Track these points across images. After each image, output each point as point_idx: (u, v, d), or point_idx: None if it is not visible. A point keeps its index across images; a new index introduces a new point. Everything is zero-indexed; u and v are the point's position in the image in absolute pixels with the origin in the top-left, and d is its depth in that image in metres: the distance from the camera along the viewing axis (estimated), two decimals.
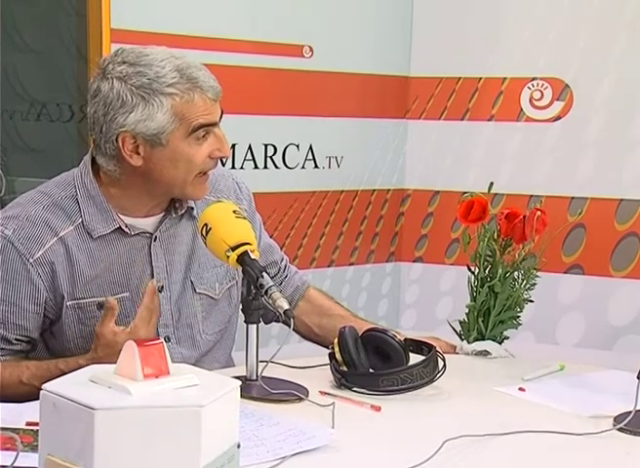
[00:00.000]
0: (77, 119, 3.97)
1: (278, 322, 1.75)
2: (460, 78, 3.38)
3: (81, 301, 1.83)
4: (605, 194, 3.17)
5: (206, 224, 1.77)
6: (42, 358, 1.85)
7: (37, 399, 1.13)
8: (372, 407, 1.67)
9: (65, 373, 1.21)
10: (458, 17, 3.37)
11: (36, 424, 1.20)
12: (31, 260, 1.79)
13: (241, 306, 1.74)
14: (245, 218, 1.80)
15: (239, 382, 1.18)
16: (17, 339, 1.82)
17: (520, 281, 2.08)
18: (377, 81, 3.36)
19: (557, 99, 3.24)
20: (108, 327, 1.71)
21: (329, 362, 1.83)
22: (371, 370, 1.82)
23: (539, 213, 2.05)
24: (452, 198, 3.21)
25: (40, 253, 1.80)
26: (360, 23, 3.29)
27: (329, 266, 3.32)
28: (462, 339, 2.12)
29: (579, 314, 3.23)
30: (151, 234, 1.89)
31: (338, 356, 1.81)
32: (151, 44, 1.86)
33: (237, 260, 1.71)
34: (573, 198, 3.20)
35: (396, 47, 3.40)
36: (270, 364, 1.75)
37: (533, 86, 3.27)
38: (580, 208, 3.00)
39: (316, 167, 3.25)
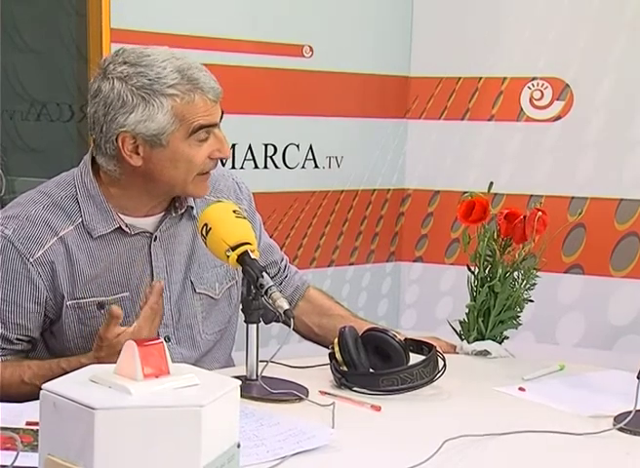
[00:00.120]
0: (77, 119, 3.97)
1: (278, 322, 1.75)
2: (460, 78, 3.38)
3: (81, 301, 1.83)
4: (605, 194, 3.17)
5: (206, 224, 1.77)
6: (42, 358, 1.85)
7: (38, 398, 1.13)
8: (372, 406, 1.67)
9: (67, 373, 1.21)
10: (458, 17, 3.37)
11: (36, 424, 1.20)
12: (31, 260, 1.79)
13: (241, 306, 1.74)
14: (245, 218, 1.80)
15: (239, 382, 1.18)
16: (17, 339, 1.82)
17: (520, 281, 2.08)
18: (377, 81, 3.36)
19: (557, 99, 3.24)
20: (112, 332, 1.70)
21: (329, 362, 1.83)
22: (371, 370, 1.82)
23: (539, 213, 2.05)
24: (452, 198, 3.21)
25: (40, 252, 1.80)
26: (360, 23, 3.29)
27: (329, 266, 3.32)
28: (462, 339, 2.12)
29: (579, 314, 3.23)
30: (151, 234, 1.89)
31: (338, 356, 1.81)
32: (152, 44, 1.86)
33: (237, 260, 1.71)
34: (573, 198, 3.20)
35: (396, 47, 3.40)
36: (270, 364, 1.75)
37: (533, 86, 3.27)
38: (580, 208, 3.00)
39: (316, 167, 3.25)
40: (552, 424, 1.58)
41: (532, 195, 3.18)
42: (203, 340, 1.97)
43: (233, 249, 1.71)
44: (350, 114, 3.31)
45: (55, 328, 1.86)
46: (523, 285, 2.08)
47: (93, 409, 1.06)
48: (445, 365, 1.79)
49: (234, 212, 1.79)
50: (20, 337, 1.82)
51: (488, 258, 2.08)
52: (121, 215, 1.86)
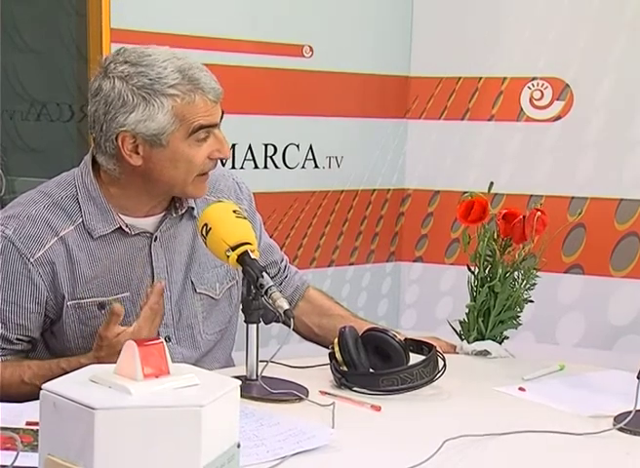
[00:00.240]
0: (77, 119, 3.97)
1: (278, 322, 1.75)
2: (460, 78, 3.38)
3: (81, 301, 1.83)
4: (605, 194, 3.17)
5: (206, 224, 1.77)
6: (42, 358, 1.85)
7: (38, 398, 1.13)
8: (372, 406, 1.67)
9: (67, 373, 1.21)
10: (458, 17, 3.37)
11: (36, 424, 1.20)
12: (32, 260, 1.79)
13: (241, 306, 1.74)
14: (245, 218, 1.80)
15: (239, 382, 1.18)
16: (17, 339, 1.82)
17: (520, 281, 2.08)
18: (377, 81, 3.36)
19: (557, 99, 3.24)
20: (113, 331, 1.70)
21: (329, 362, 1.83)
22: (371, 370, 1.82)
23: (538, 213, 2.06)
24: (452, 198, 3.21)
25: (41, 252, 1.80)
26: (360, 23, 3.29)
27: (329, 266, 3.32)
28: (462, 339, 2.12)
29: (579, 314, 3.23)
30: (152, 234, 1.89)
31: (338, 356, 1.81)
32: (152, 44, 1.86)
33: (237, 260, 1.71)
34: (573, 198, 3.20)
35: (396, 47, 3.40)
36: (270, 364, 1.75)
37: (533, 86, 3.27)
38: (580, 208, 3.01)
39: (316, 167, 3.25)
40: (552, 424, 1.58)
41: (532, 195, 3.18)
42: (203, 340, 1.97)
43: (233, 249, 1.71)
44: (350, 114, 3.31)
45: (55, 328, 1.86)
46: (523, 285, 2.08)
47: (93, 409, 1.06)
48: (445, 365, 1.79)
49: (234, 212, 1.79)
50: (21, 337, 1.82)
51: (488, 258, 2.08)
52: (121, 216, 1.86)
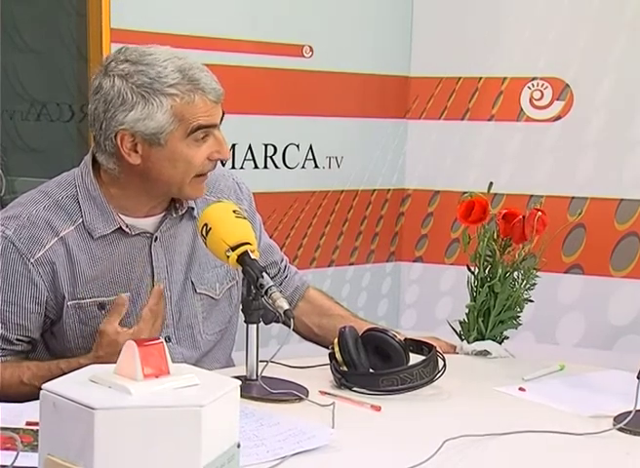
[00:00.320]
0: (77, 119, 3.97)
1: (278, 322, 1.75)
2: (460, 78, 3.38)
3: (82, 301, 1.83)
4: (605, 194, 3.17)
5: (206, 224, 1.76)
6: (42, 358, 1.85)
7: (38, 399, 1.13)
8: (372, 407, 1.67)
9: (66, 373, 1.21)
10: (458, 17, 3.37)
11: (36, 424, 1.20)
12: (32, 260, 1.79)
13: (241, 306, 1.74)
14: (245, 218, 1.80)
15: (239, 382, 1.18)
16: (17, 339, 1.82)
17: (520, 281, 2.08)
18: (377, 81, 3.36)
19: (557, 99, 3.24)
20: (113, 325, 1.71)
21: (329, 362, 1.83)
22: (371, 370, 1.82)
23: (539, 213, 2.06)
24: (452, 198, 3.21)
25: (41, 253, 1.80)
26: (360, 23, 3.29)
27: (329, 266, 3.32)
28: (462, 339, 2.12)
29: (579, 314, 3.23)
30: (152, 234, 1.89)
31: (338, 356, 1.81)
32: (152, 44, 1.85)
33: (237, 260, 1.71)
34: (573, 198, 3.20)
35: (396, 47, 3.40)
36: (270, 364, 1.75)
37: (533, 86, 3.27)
38: (580, 208, 3.01)
39: (316, 167, 3.25)
40: (552, 424, 1.58)
41: (532, 195, 3.18)
42: (203, 340, 1.97)
43: (233, 249, 1.71)
44: (350, 114, 3.31)
45: (55, 328, 1.86)
46: (523, 285, 2.08)
47: (93, 409, 1.06)
48: (445, 365, 1.79)
49: (234, 212, 1.79)
50: (20, 338, 1.82)
51: (488, 258, 2.08)
52: (121, 216, 1.86)
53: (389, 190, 3.47)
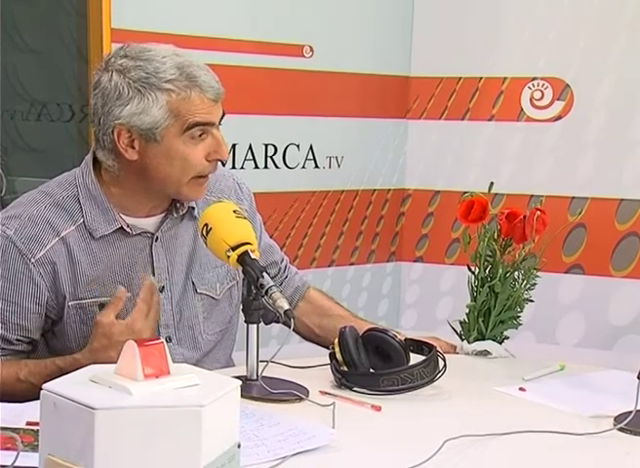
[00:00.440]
0: (77, 119, 3.98)
1: (278, 322, 1.75)
2: (460, 78, 3.38)
3: (83, 302, 1.83)
4: (605, 194, 3.17)
5: (206, 224, 1.76)
6: (44, 358, 1.84)
7: (36, 398, 1.13)
8: (372, 406, 1.67)
9: (63, 370, 1.21)
10: (458, 17, 3.37)
11: (36, 424, 1.20)
12: (33, 260, 1.79)
13: (241, 306, 1.74)
14: (245, 218, 1.80)
15: (239, 382, 1.19)
16: (17, 340, 1.82)
17: (520, 281, 2.08)
18: (377, 81, 3.36)
19: (557, 99, 3.24)
20: (109, 317, 1.71)
21: (329, 362, 1.83)
22: (371, 370, 1.82)
23: (539, 213, 2.06)
24: (452, 198, 3.21)
25: (42, 253, 1.80)
26: (360, 23, 3.29)
27: (329, 266, 3.32)
28: (463, 339, 2.12)
29: (579, 314, 3.23)
30: (153, 234, 1.89)
31: (338, 356, 1.81)
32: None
33: (237, 260, 1.71)
34: (573, 198, 3.20)
35: (396, 47, 3.40)
36: (271, 364, 1.75)
37: (533, 86, 3.27)
38: (581, 208, 3.00)
39: (316, 167, 3.25)
40: (552, 424, 1.58)
41: (532, 195, 3.18)
42: (204, 341, 1.97)
43: (234, 249, 1.71)
44: (350, 114, 3.31)
45: (56, 328, 1.86)
46: (523, 285, 2.08)
47: (93, 408, 1.06)
48: (445, 365, 1.79)
49: (235, 212, 1.79)
50: (20, 338, 1.82)
51: (488, 258, 2.08)
52: (122, 216, 1.86)
53: (390, 190, 3.47)
